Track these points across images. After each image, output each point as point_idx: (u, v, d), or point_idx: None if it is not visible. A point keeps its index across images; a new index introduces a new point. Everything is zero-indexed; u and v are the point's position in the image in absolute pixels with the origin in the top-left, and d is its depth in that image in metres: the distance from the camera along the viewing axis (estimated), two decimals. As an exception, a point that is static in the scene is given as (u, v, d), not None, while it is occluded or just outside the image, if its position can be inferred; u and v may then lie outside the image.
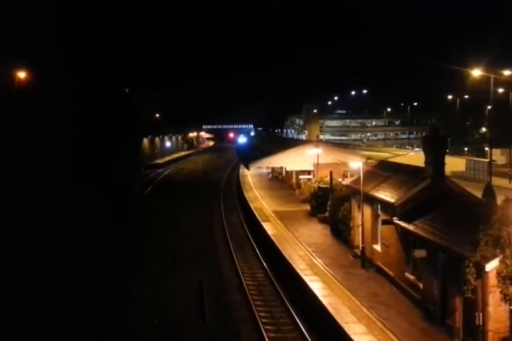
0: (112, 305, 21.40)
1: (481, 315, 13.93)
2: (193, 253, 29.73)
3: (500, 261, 13.54)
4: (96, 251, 29.25)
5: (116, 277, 25.02)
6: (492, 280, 13.69)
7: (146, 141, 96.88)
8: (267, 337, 17.89)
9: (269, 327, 18.85)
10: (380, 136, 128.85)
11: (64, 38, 55.35)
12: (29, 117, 41.49)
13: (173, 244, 32.07)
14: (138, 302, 22.03)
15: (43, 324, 19.13)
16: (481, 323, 13.93)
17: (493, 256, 13.64)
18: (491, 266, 13.62)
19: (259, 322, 19.11)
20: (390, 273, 20.79)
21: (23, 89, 40.67)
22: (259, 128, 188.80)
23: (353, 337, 15.68)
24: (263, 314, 20.16)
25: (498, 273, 13.57)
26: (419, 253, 17.39)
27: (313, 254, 25.29)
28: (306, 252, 25.84)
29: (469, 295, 14.23)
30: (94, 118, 59.93)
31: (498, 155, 56.36)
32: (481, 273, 13.85)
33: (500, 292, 13.60)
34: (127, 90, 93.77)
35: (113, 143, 65.20)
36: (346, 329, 16.20)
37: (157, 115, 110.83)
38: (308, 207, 36.44)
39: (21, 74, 40.48)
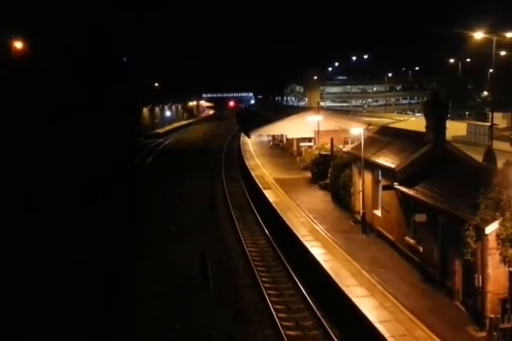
0: (119, 277, 21.79)
1: (480, 276, 14.14)
2: (196, 221, 30.00)
3: (500, 224, 13.65)
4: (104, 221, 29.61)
5: (123, 249, 25.36)
6: (491, 242, 13.84)
7: (145, 110, 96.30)
8: (270, 301, 18.24)
9: (271, 292, 19.21)
10: (381, 102, 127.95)
11: (60, 5, 54.45)
12: (25, 88, 41.39)
13: (176, 212, 32.34)
14: (144, 269, 22.42)
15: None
16: (480, 285, 14.16)
17: (493, 219, 13.74)
18: (491, 228, 13.74)
19: (262, 287, 19.45)
20: (391, 237, 21.01)
21: (20, 59, 40.26)
22: (260, 96, 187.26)
23: (353, 299, 15.97)
24: (265, 279, 20.50)
25: (498, 236, 13.71)
26: (420, 217, 17.53)
27: (315, 220, 25.51)
28: (307, 218, 26.05)
29: (469, 257, 14.41)
30: (92, 88, 59.47)
31: (500, 119, 55.86)
32: (480, 235, 13.98)
33: (500, 254, 13.77)
34: (125, 59, 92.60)
35: (111, 112, 64.90)
36: (347, 293, 16.50)
37: (156, 84, 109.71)
38: (309, 174, 36.52)
39: (18, 45, 39.83)
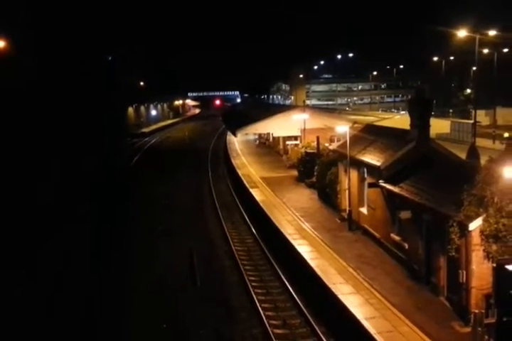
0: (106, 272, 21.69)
1: (464, 272, 14.31)
2: (183, 220, 29.95)
3: (484, 220, 13.82)
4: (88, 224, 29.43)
5: (111, 245, 25.26)
6: (475, 238, 14.01)
7: (131, 109, 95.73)
8: (257, 299, 18.27)
9: (258, 291, 19.25)
10: (366, 100, 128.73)
11: (44, 2, 53.97)
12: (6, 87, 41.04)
13: (163, 211, 32.26)
14: (131, 267, 22.36)
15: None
16: (464, 280, 14.32)
17: (477, 215, 13.91)
18: (475, 225, 13.91)
19: (249, 286, 19.48)
20: (376, 234, 21.16)
21: (2, 58, 39.86)
22: (246, 95, 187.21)
23: (340, 297, 16.07)
24: (253, 278, 20.53)
25: (482, 232, 13.87)
26: (405, 214, 17.69)
27: (301, 219, 25.59)
28: (294, 217, 26.13)
29: (453, 253, 14.58)
30: (76, 87, 59.03)
31: (483, 116, 56.64)
32: (464, 232, 14.15)
33: (484, 250, 13.95)
34: (110, 58, 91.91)
35: (95, 111, 64.48)
36: (334, 290, 16.59)
37: (141, 83, 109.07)
38: (295, 173, 36.60)
39: (0, 43, 39.29)
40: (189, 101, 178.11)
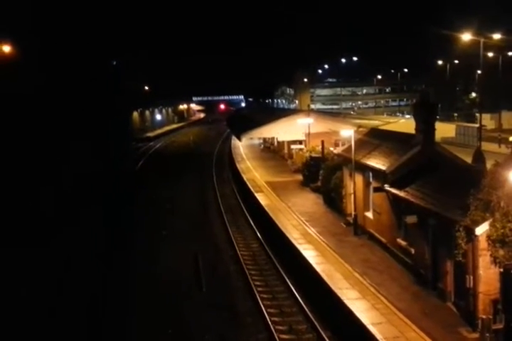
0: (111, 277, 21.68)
1: (471, 277, 14.21)
2: (188, 225, 29.94)
3: (490, 225, 13.73)
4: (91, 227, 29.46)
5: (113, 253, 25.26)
6: (482, 243, 13.92)
7: (136, 114, 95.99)
8: (263, 305, 18.21)
9: (264, 296, 19.19)
10: (370, 104, 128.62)
11: (49, 8, 54.30)
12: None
13: (167, 216, 32.25)
14: (136, 273, 22.34)
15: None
16: (471, 286, 14.22)
17: (483, 220, 13.82)
18: (481, 229, 13.82)
19: (255, 291, 19.42)
20: (382, 239, 21.07)
21: (8, 64, 40.06)
22: (250, 99, 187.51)
23: (346, 302, 15.99)
24: (258, 283, 20.47)
25: (488, 237, 13.78)
26: (411, 219, 17.60)
27: (307, 223, 25.52)
28: (299, 221, 26.06)
29: (460, 258, 14.48)
30: (81, 92, 59.32)
31: (488, 120, 56.37)
32: (471, 236, 14.06)
33: (490, 255, 13.84)
34: (114, 63, 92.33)
35: (101, 116, 64.71)
36: (340, 295, 16.51)
37: (146, 87, 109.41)
38: (300, 177, 36.55)
39: (6, 49, 39.51)
40: (194, 106, 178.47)
